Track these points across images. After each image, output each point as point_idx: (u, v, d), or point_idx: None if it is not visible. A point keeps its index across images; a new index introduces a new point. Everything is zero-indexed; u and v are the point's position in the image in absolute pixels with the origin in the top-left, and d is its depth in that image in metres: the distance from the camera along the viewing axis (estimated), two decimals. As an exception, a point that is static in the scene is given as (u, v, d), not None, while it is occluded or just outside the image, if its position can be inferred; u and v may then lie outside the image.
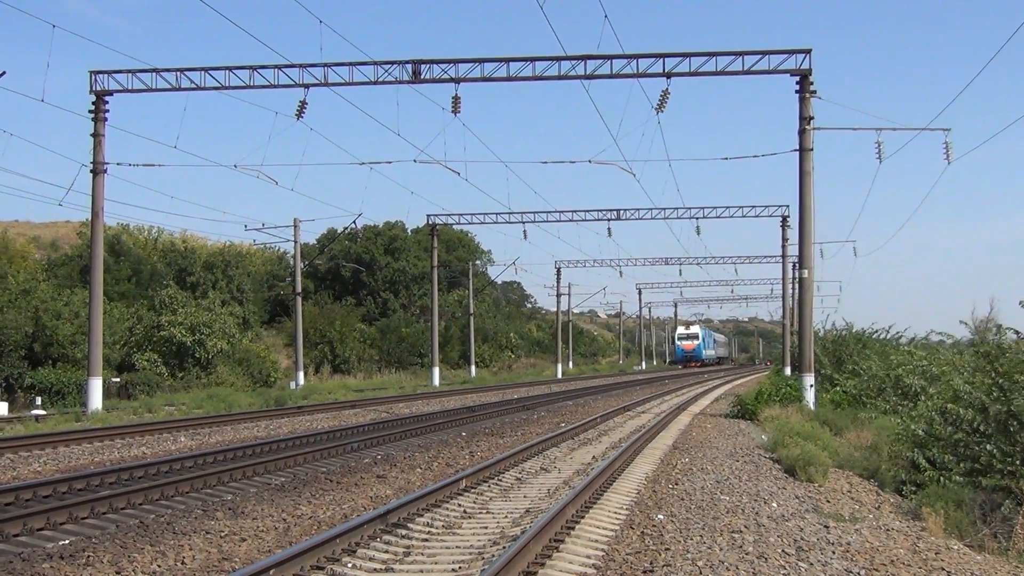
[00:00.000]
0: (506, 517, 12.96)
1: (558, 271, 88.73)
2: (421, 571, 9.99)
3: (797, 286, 39.13)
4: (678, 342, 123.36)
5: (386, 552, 10.82)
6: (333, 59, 32.85)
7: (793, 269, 63.45)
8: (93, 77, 33.36)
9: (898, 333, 42.44)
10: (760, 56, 31.74)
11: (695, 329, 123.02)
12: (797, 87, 31.66)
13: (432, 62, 32.60)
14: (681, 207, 60.29)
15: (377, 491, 15.65)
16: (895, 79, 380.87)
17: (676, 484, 15.97)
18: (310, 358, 68.57)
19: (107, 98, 33.48)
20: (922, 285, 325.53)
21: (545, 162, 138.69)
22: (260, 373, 56.17)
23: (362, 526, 11.32)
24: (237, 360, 54.61)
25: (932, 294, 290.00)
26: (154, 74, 33.17)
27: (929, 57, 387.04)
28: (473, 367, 76.48)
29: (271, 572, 9.10)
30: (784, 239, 64.27)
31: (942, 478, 16.31)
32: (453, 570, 9.98)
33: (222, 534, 11.85)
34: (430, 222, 63.37)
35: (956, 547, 12.59)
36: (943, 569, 10.98)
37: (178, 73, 33.09)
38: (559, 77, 32.39)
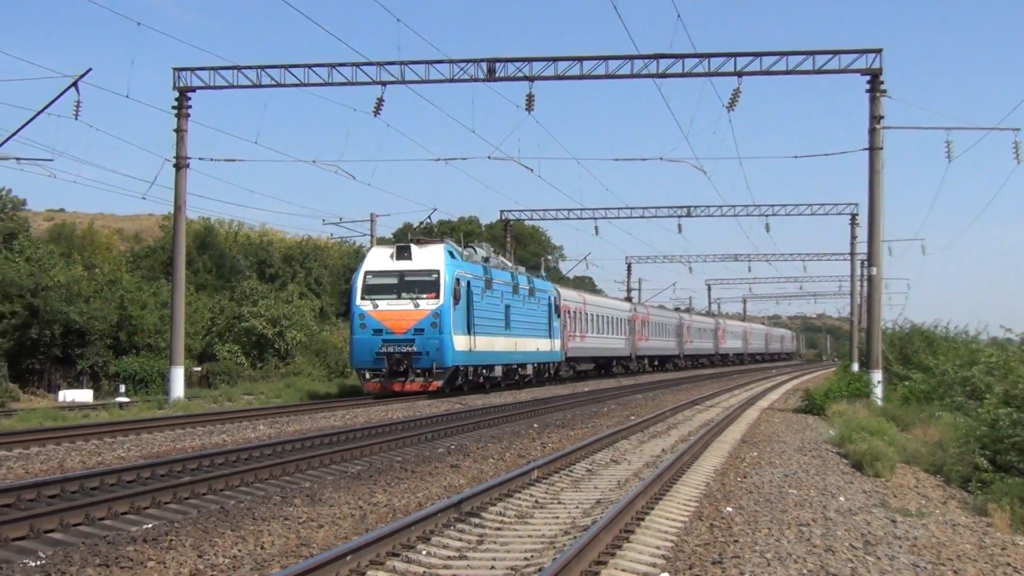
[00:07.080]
0: (577, 507, 13.13)
1: (629, 267, 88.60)
2: (494, 559, 10.17)
3: (865, 283, 38.87)
4: (359, 304, 35.02)
5: (460, 540, 11.00)
6: (410, 57, 33.31)
7: (861, 266, 62.92)
8: (176, 74, 34.06)
9: (977, 332, 41.92)
10: (831, 56, 31.70)
11: (430, 259, 35.35)
12: (868, 86, 31.53)
13: (507, 60, 32.93)
14: (751, 204, 59.98)
15: (451, 480, 15.84)
16: (965, 78, 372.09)
17: (744, 477, 16.11)
18: (385, 350, 68.87)
19: (190, 94, 34.19)
20: (992, 283, 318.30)
21: (617, 159, 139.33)
22: (337, 364, 56.86)
23: (436, 514, 11.48)
24: (315, 351, 55.35)
25: (1002, 292, 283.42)
26: (235, 71, 33.86)
27: (1000, 56, 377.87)
28: (545, 360, 76.30)
29: (348, 558, 9.25)
30: (853, 237, 63.83)
31: (1005, 477, 16.24)
32: (525, 558, 10.15)
33: (300, 520, 12.08)
34: (503, 217, 63.68)
35: (1023, 543, 12.62)
36: (1009, 564, 11.02)
37: (259, 70, 33.74)
38: (631, 75, 32.61)
